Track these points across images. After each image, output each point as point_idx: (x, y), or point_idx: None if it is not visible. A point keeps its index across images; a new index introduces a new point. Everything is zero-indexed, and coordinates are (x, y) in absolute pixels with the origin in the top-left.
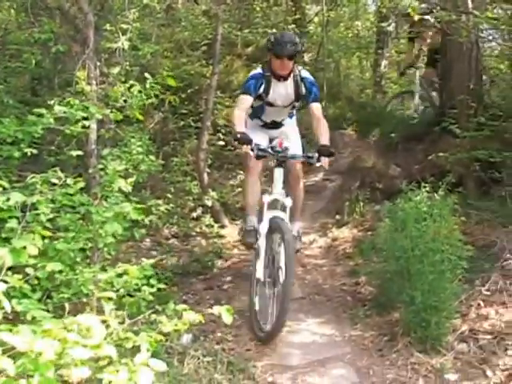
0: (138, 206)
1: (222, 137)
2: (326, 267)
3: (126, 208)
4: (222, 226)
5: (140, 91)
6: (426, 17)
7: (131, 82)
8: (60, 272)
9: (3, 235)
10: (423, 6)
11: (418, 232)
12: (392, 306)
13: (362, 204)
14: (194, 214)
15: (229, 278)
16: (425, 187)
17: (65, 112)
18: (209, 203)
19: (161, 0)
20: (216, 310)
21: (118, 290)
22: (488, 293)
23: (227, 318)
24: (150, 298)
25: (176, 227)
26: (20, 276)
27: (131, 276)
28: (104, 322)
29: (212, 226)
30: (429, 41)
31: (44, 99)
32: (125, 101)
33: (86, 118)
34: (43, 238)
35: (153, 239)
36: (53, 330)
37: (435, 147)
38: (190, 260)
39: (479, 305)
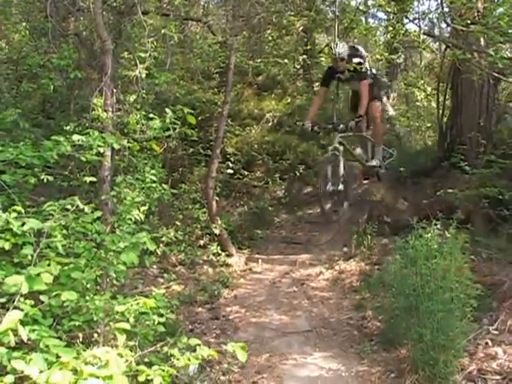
0: (154, 235)
1: (230, 165)
2: (332, 300)
3: (143, 239)
4: (229, 255)
5: (160, 125)
6: None
7: (151, 115)
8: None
9: (16, 260)
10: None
11: (428, 270)
12: (399, 342)
13: (369, 237)
14: (202, 242)
15: (235, 308)
16: (436, 224)
17: (82, 140)
18: (216, 231)
19: (178, 29)
20: (230, 347)
21: (128, 319)
22: (496, 332)
23: (242, 356)
24: (162, 329)
25: (183, 254)
26: (32, 302)
27: (146, 307)
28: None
29: (219, 255)
30: None
31: (58, 123)
32: (142, 131)
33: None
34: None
35: (160, 266)
36: (70, 363)
37: (444, 183)
38: (196, 288)
39: (487, 344)
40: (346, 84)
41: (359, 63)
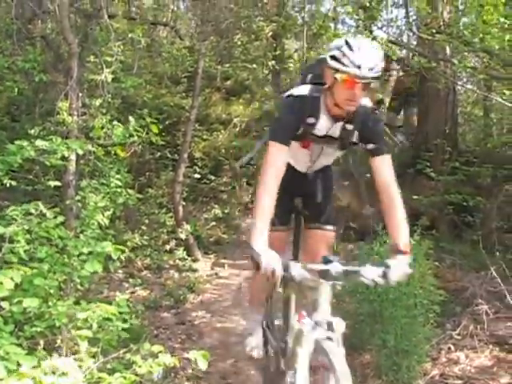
0: (119, 246)
1: (198, 170)
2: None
3: (107, 248)
4: (195, 260)
5: (123, 132)
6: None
7: (114, 122)
8: None
9: None
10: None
11: None
12: (363, 347)
13: (335, 244)
14: (168, 247)
15: (201, 313)
16: None
17: (46, 146)
18: (183, 236)
19: (145, 34)
20: (192, 354)
21: (91, 325)
22: (459, 337)
23: (202, 364)
24: (125, 334)
25: (149, 259)
26: None
27: (108, 313)
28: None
29: (185, 260)
30: (392, 85)
31: (23, 126)
32: (107, 136)
33: None
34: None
35: (125, 271)
36: (29, 373)
37: (409, 189)
38: (162, 293)
39: (450, 349)
40: None
41: None
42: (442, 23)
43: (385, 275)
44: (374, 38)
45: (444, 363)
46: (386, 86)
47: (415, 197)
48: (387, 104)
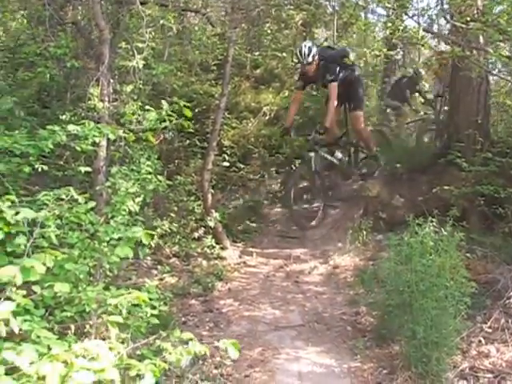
0: (149, 231)
1: (227, 158)
2: (326, 295)
3: (138, 233)
4: (223, 248)
5: (156, 117)
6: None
7: (147, 107)
8: None
9: (9, 249)
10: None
11: (422, 267)
12: (392, 338)
13: (364, 233)
14: (196, 234)
15: (228, 301)
16: (431, 221)
17: (78, 130)
18: (211, 224)
19: (176, 20)
20: (222, 343)
21: (120, 312)
22: (489, 330)
23: (233, 353)
24: (155, 321)
25: (177, 247)
26: (24, 292)
27: (138, 299)
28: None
29: (213, 247)
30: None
31: (54, 112)
32: (138, 122)
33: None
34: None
35: (153, 257)
36: (60, 355)
37: (440, 179)
38: (190, 281)
39: (480, 342)
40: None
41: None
42: (476, 11)
43: None
44: (406, 27)
45: (474, 356)
46: None
47: (446, 187)
48: None
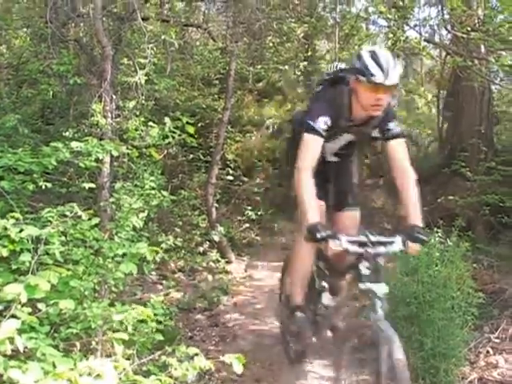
0: (154, 248)
1: (230, 171)
2: None
3: (143, 249)
4: (229, 262)
5: (159, 133)
6: None
7: (150, 122)
8: None
9: (14, 266)
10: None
11: (429, 278)
12: None
13: None
14: (201, 249)
15: (234, 315)
16: (437, 232)
17: (81, 147)
18: (216, 238)
19: (178, 35)
20: (227, 358)
21: (126, 328)
22: (497, 340)
23: (238, 368)
24: (160, 337)
25: (183, 261)
26: (29, 310)
27: (144, 315)
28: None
29: (218, 261)
30: None
31: (57, 129)
32: (141, 137)
33: None
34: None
35: (159, 272)
36: (65, 373)
37: (444, 189)
38: (195, 295)
39: (488, 352)
40: None
41: None
42: (476, 21)
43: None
44: (407, 38)
45: (482, 367)
46: None
47: (451, 197)
48: None
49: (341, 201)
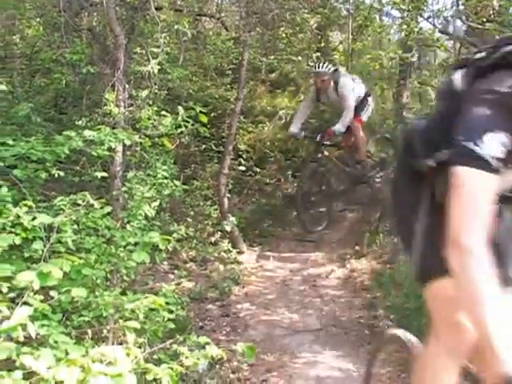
0: (166, 237)
1: (243, 162)
2: (343, 298)
3: (155, 238)
4: (240, 252)
5: (172, 122)
6: None
7: (163, 112)
8: None
9: (26, 254)
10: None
11: None
12: None
13: (381, 236)
14: (213, 239)
15: (246, 306)
16: None
17: (94, 136)
18: (228, 228)
19: (191, 25)
20: (239, 347)
21: (138, 316)
22: None
23: (250, 357)
24: (172, 325)
25: (194, 251)
26: (41, 297)
27: (155, 304)
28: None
29: (230, 252)
30: None
31: (70, 118)
32: (154, 127)
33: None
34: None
35: (170, 262)
36: (77, 360)
37: None
38: (207, 285)
39: None
40: None
41: None
42: (491, 11)
43: None
44: (421, 29)
45: None
46: None
47: None
48: None
49: None
